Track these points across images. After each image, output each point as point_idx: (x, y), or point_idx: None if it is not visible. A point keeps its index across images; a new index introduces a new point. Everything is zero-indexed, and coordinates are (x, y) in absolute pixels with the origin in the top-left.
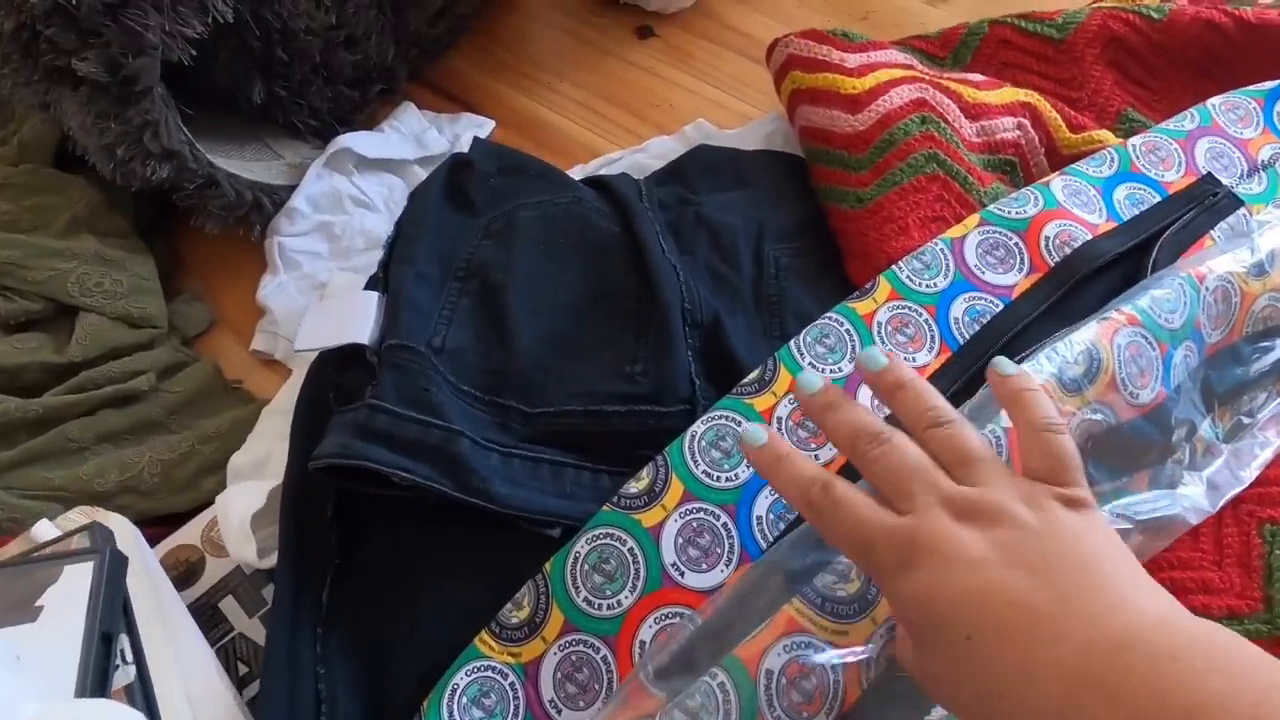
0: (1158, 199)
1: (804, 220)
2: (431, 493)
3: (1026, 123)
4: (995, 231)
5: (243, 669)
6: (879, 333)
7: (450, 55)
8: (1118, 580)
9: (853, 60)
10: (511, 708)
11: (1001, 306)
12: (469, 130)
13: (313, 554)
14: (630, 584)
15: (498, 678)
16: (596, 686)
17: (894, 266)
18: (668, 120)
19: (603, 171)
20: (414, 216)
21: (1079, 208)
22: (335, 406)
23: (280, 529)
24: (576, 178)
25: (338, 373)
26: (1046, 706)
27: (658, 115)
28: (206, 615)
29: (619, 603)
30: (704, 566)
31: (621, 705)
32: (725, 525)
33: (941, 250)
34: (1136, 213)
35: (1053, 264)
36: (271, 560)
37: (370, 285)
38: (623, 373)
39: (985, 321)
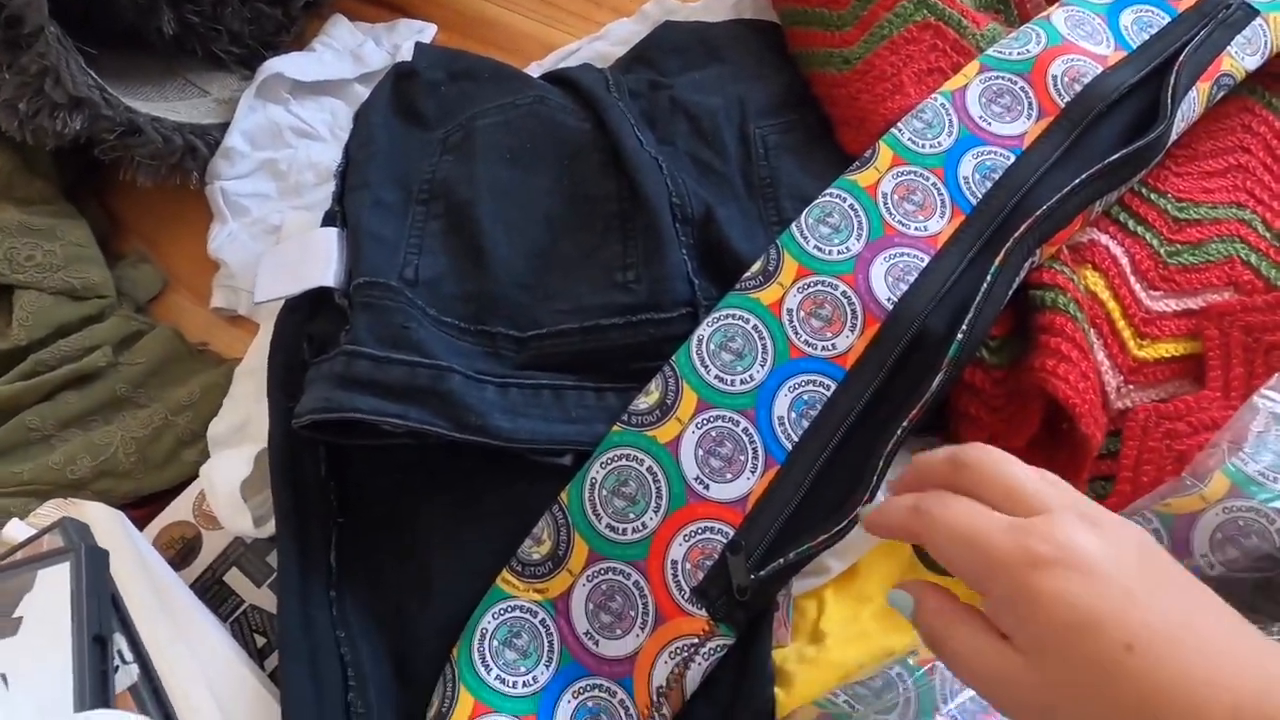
0: (1167, 19)
1: (788, 92)
2: (429, 436)
3: None
4: (998, 77)
5: (259, 640)
6: (885, 204)
7: None
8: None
9: None
10: (545, 645)
11: (1013, 158)
12: (409, 38)
13: (311, 516)
14: (654, 504)
15: (527, 617)
16: (632, 613)
17: (893, 129)
18: (624, 1)
19: (562, 65)
20: (362, 139)
21: (1085, 39)
22: (309, 358)
23: (273, 494)
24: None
25: (307, 321)
26: None
27: None
28: (212, 592)
29: (644, 525)
30: (728, 476)
31: (662, 629)
32: (746, 430)
33: (942, 105)
34: (1146, 37)
35: (1063, 105)
36: (270, 528)
37: (327, 221)
38: (614, 282)
39: (997, 178)
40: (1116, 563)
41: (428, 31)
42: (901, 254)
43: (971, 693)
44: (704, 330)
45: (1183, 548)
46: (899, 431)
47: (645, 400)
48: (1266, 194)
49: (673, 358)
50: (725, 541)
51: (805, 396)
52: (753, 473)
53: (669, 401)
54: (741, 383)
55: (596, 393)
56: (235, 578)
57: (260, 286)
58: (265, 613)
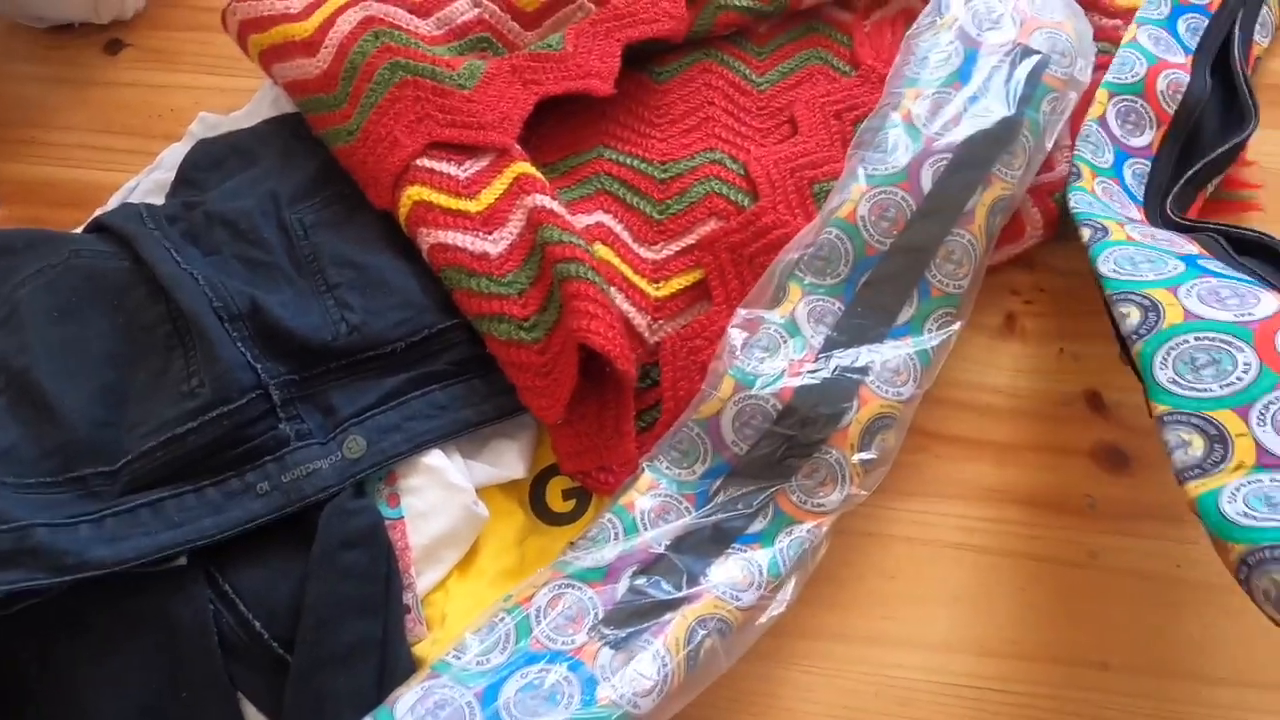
0: (1204, 21)
1: (318, 174)
2: (40, 593)
3: None
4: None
5: None
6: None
7: None
8: None
9: (297, 4)
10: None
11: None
12: None
13: None
14: None
15: None
16: None
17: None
18: (175, 126)
19: (119, 204)
20: None
21: (1168, 55)
22: None
23: None
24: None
25: None
26: None
27: (164, 125)
28: None
29: None
30: None
31: None
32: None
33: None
34: (1196, 40)
35: (1171, 113)
36: None
37: None
38: (182, 393)
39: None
40: None
41: None
42: None
43: (560, 611)
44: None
45: (718, 441)
46: None
47: None
48: (730, 133)
49: None
50: None
51: None
52: None
53: None
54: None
55: (196, 493)
56: None
57: None
58: None
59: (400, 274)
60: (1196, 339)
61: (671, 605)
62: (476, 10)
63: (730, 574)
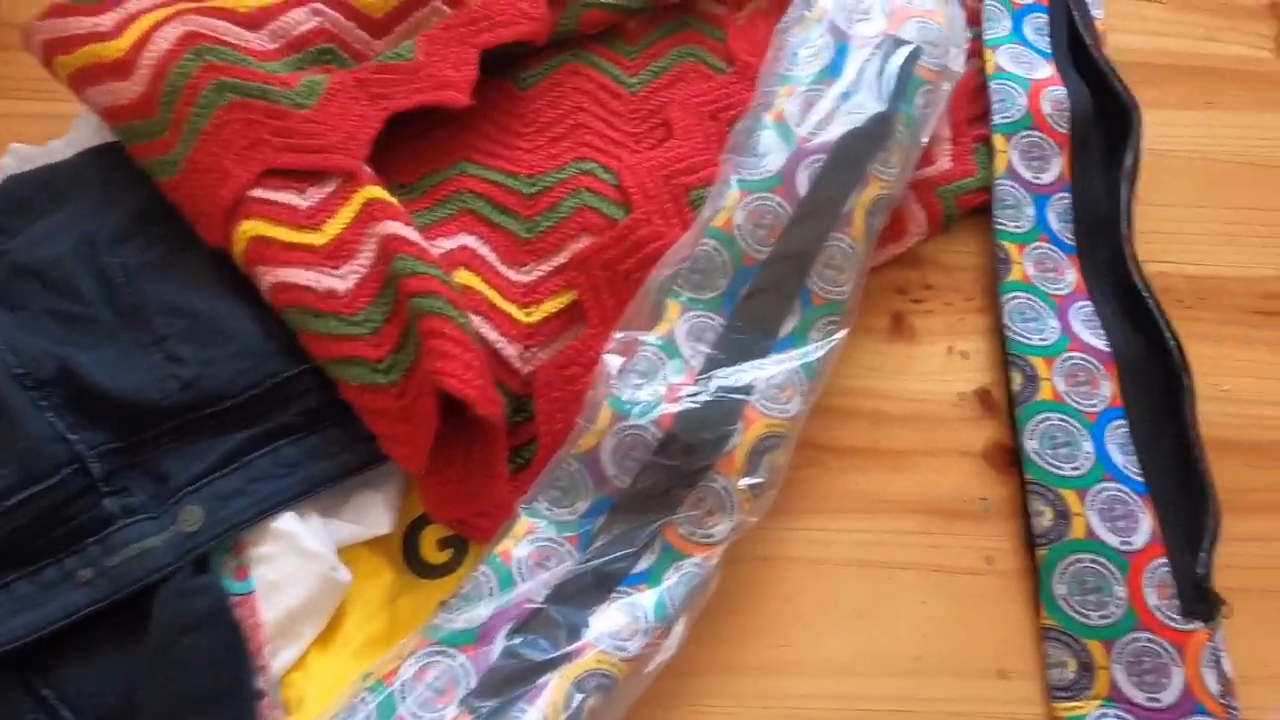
0: (1045, 17)
1: (141, 210)
2: None
3: (321, 5)
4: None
5: None
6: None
7: None
8: None
9: (107, 21)
10: None
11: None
12: None
13: None
14: None
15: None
16: None
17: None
18: None
19: None
20: None
21: (1036, 71)
22: None
23: None
24: None
25: None
26: None
27: None
28: None
29: None
30: None
31: None
32: None
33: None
34: (1047, 40)
35: (1067, 132)
36: None
37: None
38: None
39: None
40: None
41: None
42: None
43: (427, 683)
44: None
45: (599, 475)
46: None
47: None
48: (601, 140)
49: None
50: None
51: None
52: None
53: None
54: None
55: (3, 589)
56: None
57: None
58: None
59: (239, 319)
60: (1091, 560)
61: (550, 665)
62: (317, 20)
63: (613, 622)
